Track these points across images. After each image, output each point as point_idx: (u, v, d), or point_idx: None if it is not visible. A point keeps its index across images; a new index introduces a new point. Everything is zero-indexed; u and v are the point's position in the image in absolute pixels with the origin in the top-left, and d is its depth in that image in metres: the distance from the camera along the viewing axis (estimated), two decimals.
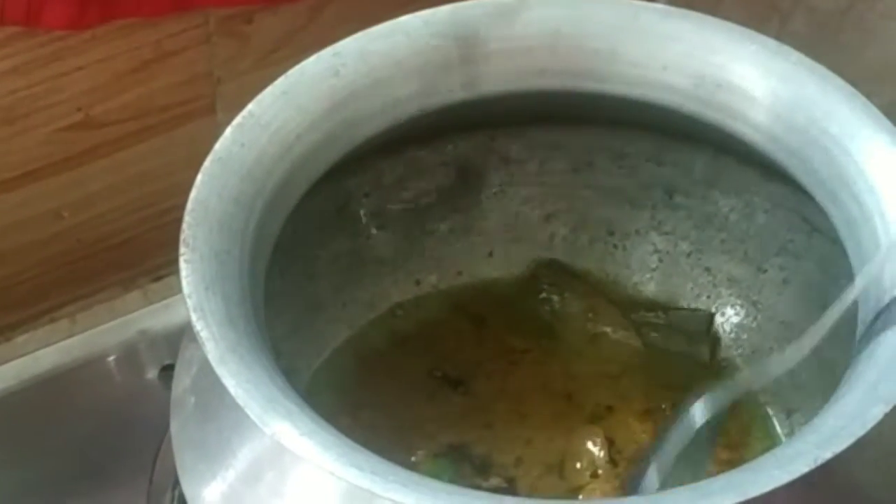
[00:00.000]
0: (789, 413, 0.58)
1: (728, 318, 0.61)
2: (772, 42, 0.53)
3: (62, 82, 0.62)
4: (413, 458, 0.58)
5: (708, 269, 0.61)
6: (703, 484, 0.41)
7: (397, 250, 0.61)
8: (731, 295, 0.61)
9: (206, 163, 0.49)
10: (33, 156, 0.64)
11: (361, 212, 0.59)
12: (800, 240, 0.57)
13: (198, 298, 0.45)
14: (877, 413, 0.42)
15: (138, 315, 0.70)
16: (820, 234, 0.55)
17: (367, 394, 0.59)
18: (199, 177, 0.48)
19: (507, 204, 0.62)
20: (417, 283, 0.62)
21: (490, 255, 0.62)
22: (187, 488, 0.48)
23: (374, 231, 0.60)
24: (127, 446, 0.64)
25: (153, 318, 0.69)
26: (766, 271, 0.59)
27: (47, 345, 0.69)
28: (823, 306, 0.55)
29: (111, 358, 0.69)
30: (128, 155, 0.66)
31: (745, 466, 0.42)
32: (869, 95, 0.69)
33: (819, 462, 0.41)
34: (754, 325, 0.60)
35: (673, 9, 0.54)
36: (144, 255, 0.70)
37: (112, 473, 0.65)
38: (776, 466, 0.41)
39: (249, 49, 0.66)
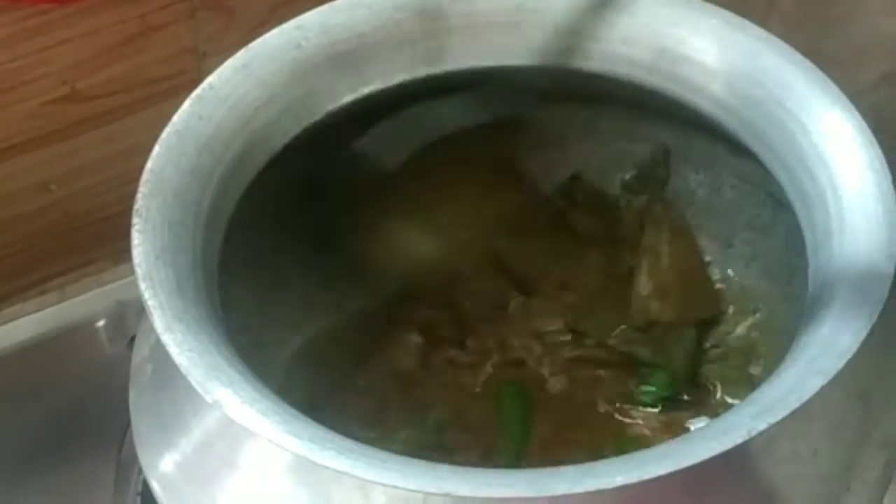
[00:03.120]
0: None
1: None
2: (732, 16, 0.52)
3: (47, 56, 0.63)
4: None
5: None
6: (638, 455, 0.42)
7: (366, 222, 0.61)
8: None
9: (164, 134, 0.49)
10: (20, 129, 0.64)
11: (329, 183, 0.59)
12: (765, 214, 0.57)
13: (147, 267, 0.46)
14: (814, 386, 0.42)
15: (126, 284, 0.70)
16: (784, 209, 0.55)
17: (343, 365, 0.60)
18: (156, 148, 0.49)
19: (478, 177, 0.62)
20: (388, 254, 0.62)
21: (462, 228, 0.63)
22: (143, 457, 0.49)
23: (341, 202, 0.60)
24: (101, 416, 0.65)
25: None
26: (733, 246, 0.59)
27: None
28: (790, 280, 0.56)
29: (99, 324, 0.69)
30: (115, 129, 0.67)
31: (681, 437, 0.42)
32: (857, 71, 0.69)
33: (753, 433, 0.41)
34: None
35: None
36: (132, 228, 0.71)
37: (84, 442, 0.66)
38: (711, 438, 0.41)
39: (234, 24, 0.66)
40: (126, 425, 0.59)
